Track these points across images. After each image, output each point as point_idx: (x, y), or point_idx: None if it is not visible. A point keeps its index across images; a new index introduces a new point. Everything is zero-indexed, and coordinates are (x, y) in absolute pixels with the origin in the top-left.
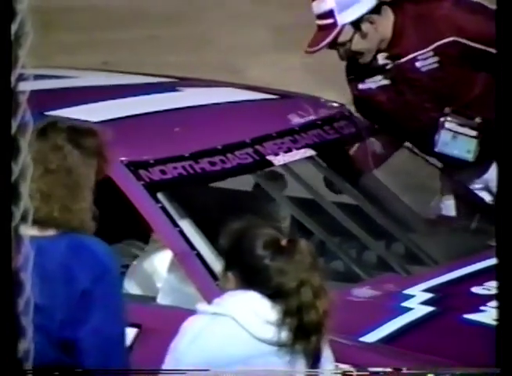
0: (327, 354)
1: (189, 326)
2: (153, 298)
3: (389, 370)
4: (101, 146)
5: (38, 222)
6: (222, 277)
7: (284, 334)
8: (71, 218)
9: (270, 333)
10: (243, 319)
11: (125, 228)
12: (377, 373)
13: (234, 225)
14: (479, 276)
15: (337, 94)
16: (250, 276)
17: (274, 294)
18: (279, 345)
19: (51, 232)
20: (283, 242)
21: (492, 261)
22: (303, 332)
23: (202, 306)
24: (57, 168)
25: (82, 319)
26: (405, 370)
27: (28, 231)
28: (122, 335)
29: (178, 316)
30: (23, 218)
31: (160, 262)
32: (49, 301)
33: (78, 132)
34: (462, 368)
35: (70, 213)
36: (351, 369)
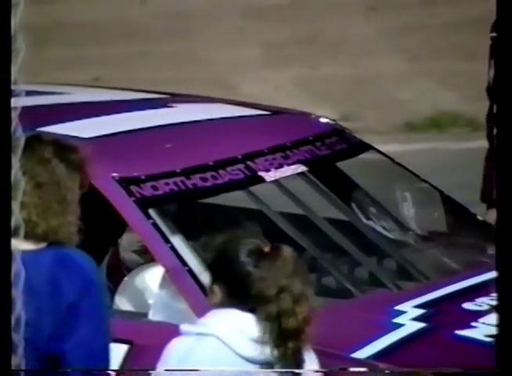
0: (310, 358)
1: (174, 348)
2: (145, 314)
3: (387, 370)
4: (83, 160)
5: (32, 236)
6: (209, 291)
7: (269, 351)
8: (60, 231)
9: (255, 350)
10: (228, 338)
11: (116, 244)
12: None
13: (218, 238)
14: (470, 293)
15: (329, 110)
16: (234, 285)
17: (255, 304)
18: (266, 362)
19: (40, 245)
20: (266, 249)
21: (483, 277)
22: (282, 338)
23: (186, 327)
24: (47, 181)
25: (68, 332)
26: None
27: (19, 246)
28: (106, 348)
29: (170, 332)
30: (15, 233)
31: (151, 277)
32: (36, 315)
33: (62, 147)
34: (462, 369)
35: (59, 226)
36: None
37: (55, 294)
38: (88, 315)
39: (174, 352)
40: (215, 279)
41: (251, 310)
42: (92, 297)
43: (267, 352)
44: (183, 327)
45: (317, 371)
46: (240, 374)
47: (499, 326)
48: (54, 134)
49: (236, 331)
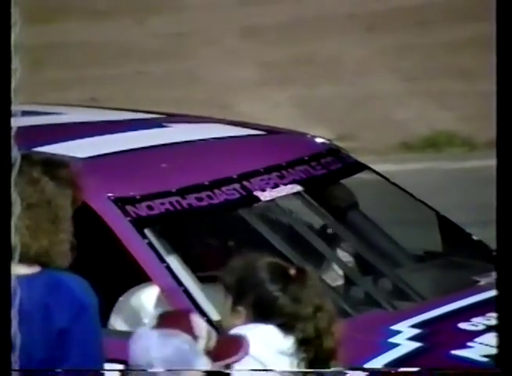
0: None
1: None
2: None
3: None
4: (74, 176)
5: (25, 259)
6: (231, 312)
7: (298, 363)
8: (52, 250)
9: (283, 363)
10: (255, 351)
11: (112, 264)
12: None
13: (238, 260)
14: (466, 312)
15: (325, 130)
16: (263, 308)
17: (288, 324)
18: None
19: (34, 269)
20: (292, 271)
21: (479, 297)
22: (321, 359)
23: None
24: (37, 201)
25: (60, 357)
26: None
27: (14, 270)
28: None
29: None
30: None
31: (147, 297)
32: (28, 340)
33: (52, 164)
34: (462, 369)
35: (51, 246)
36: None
37: (47, 320)
38: (79, 340)
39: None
40: (239, 300)
41: (283, 326)
42: (84, 322)
43: (294, 363)
44: None
45: (320, 371)
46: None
47: (499, 326)
48: (45, 153)
49: (262, 344)
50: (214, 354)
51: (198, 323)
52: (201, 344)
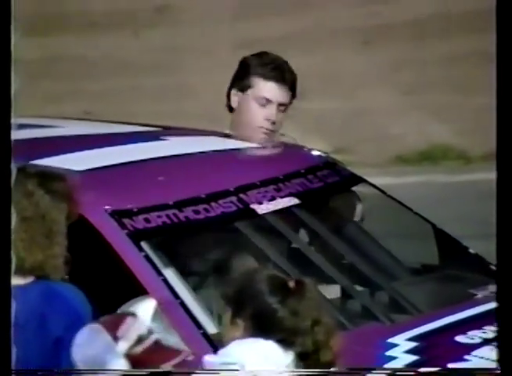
0: None
1: None
2: None
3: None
4: (70, 189)
5: (20, 271)
6: (230, 325)
7: None
8: (46, 264)
9: None
10: (254, 366)
11: (109, 276)
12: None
13: (237, 272)
14: (463, 325)
15: (322, 143)
16: (262, 321)
17: (287, 339)
18: None
19: (28, 279)
20: (291, 284)
21: (476, 310)
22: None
23: (209, 357)
24: (32, 214)
25: (56, 366)
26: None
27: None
28: None
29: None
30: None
31: (143, 310)
32: (23, 350)
33: (47, 177)
34: (463, 369)
35: (45, 260)
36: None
37: (42, 329)
38: None
39: None
40: (237, 313)
41: (281, 341)
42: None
43: None
44: (207, 358)
45: (319, 372)
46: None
47: (499, 326)
48: (40, 166)
49: (261, 359)
50: (143, 358)
51: (131, 326)
52: (122, 346)
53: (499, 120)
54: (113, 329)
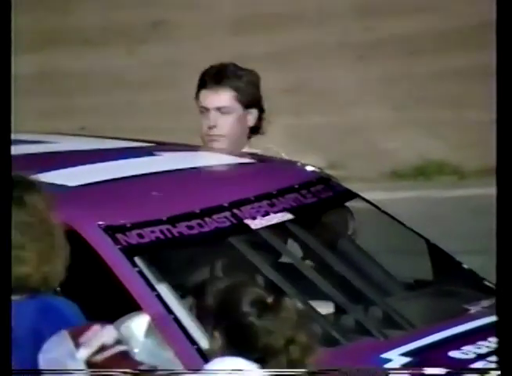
0: None
1: None
2: None
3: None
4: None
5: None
6: (210, 338)
7: None
8: (50, 278)
9: None
10: None
11: (102, 292)
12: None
13: (220, 284)
14: (457, 341)
15: (316, 158)
16: (237, 335)
17: (264, 355)
18: None
19: (23, 294)
20: (269, 300)
21: (469, 325)
22: None
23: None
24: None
25: None
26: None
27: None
28: None
29: None
30: None
31: (137, 326)
32: (19, 364)
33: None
34: (463, 370)
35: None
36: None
37: (39, 343)
38: None
39: None
40: (216, 325)
41: (258, 361)
42: None
43: None
44: None
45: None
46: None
47: (498, 326)
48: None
49: None
50: (104, 366)
51: (94, 334)
52: (83, 353)
53: (499, 135)
54: (77, 336)
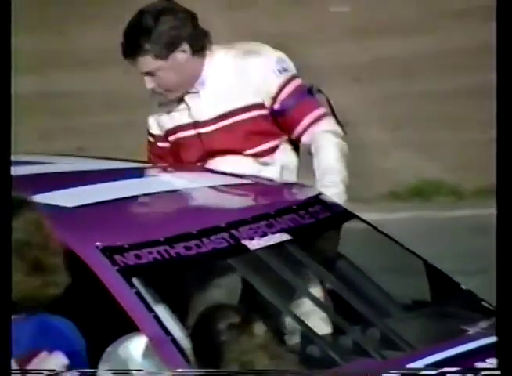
0: None
1: None
2: None
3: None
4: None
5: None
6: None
7: None
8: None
9: None
10: None
11: (100, 313)
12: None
13: (199, 308)
14: (455, 361)
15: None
16: (203, 356)
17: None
18: None
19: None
20: (236, 321)
21: (467, 346)
22: None
23: None
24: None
25: None
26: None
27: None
28: None
29: None
30: None
31: (134, 347)
32: None
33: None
34: (463, 370)
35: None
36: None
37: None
38: None
39: None
40: (193, 348)
41: None
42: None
43: None
44: None
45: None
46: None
47: (498, 326)
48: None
49: None
50: None
51: (41, 361)
52: None
53: (498, 155)
54: (24, 363)
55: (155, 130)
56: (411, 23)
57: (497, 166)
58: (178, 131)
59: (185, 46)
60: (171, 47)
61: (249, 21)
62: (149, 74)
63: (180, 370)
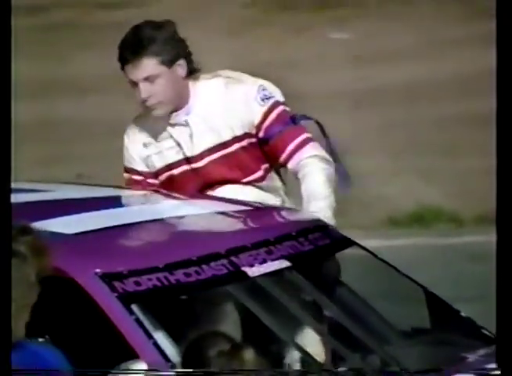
0: None
1: None
2: None
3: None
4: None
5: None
6: None
7: None
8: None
9: None
10: None
11: (99, 340)
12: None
13: (191, 335)
14: None
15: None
16: None
17: None
18: None
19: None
20: (225, 348)
21: (467, 374)
22: None
23: None
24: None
25: None
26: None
27: None
28: None
29: None
30: None
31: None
32: None
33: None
34: (463, 370)
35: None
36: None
37: None
38: None
39: None
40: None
41: None
42: None
43: None
44: None
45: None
46: None
47: (499, 354)
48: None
49: None
50: None
51: None
52: None
53: (498, 182)
54: None
55: (141, 167)
56: (411, 51)
57: (497, 193)
58: (171, 169)
59: (183, 62)
60: (175, 55)
61: (248, 48)
62: (148, 79)
63: (180, 370)
